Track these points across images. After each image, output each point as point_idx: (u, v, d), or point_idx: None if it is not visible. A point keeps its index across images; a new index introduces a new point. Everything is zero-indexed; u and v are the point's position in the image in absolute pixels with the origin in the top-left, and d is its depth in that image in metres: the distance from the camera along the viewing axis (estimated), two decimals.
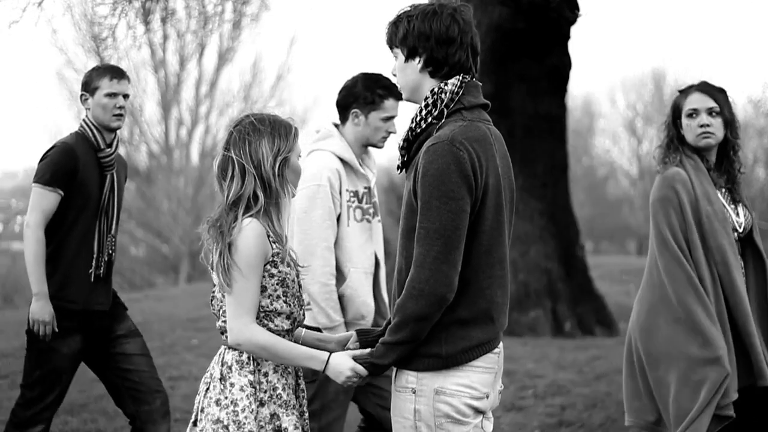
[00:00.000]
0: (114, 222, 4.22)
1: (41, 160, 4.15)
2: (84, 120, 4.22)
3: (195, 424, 2.81)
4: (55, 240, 4.10)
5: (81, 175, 4.11)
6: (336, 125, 4.00)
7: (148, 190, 26.71)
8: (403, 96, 2.76)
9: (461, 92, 2.63)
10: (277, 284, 2.76)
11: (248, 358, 2.76)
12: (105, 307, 4.20)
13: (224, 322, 2.80)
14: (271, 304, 2.75)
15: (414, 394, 2.59)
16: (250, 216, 2.71)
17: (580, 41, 55.28)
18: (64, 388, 4.17)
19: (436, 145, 2.53)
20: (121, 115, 4.18)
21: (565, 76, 10.28)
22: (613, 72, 60.85)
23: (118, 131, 4.25)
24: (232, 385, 2.74)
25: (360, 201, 3.91)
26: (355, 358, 2.63)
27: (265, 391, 2.75)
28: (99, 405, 6.19)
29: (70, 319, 4.09)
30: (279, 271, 2.75)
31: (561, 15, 9.57)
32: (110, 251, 4.19)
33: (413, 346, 2.56)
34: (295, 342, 2.83)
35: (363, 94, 3.90)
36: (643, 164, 36.95)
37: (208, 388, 2.80)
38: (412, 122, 2.66)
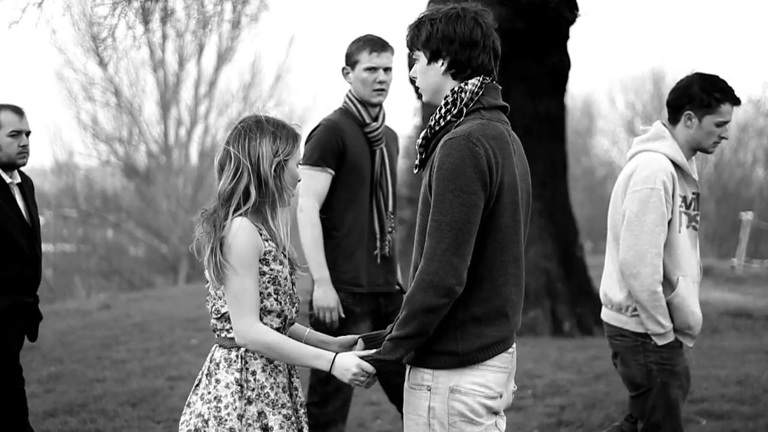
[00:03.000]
0: (390, 198, 4.08)
1: (307, 141, 4.01)
2: (347, 95, 4.11)
3: None
4: (332, 222, 3.96)
5: (350, 151, 3.97)
6: (664, 125, 3.83)
7: (147, 190, 26.70)
8: (424, 98, 2.76)
9: (481, 92, 2.65)
10: (269, 282, 2.76)
11: (236, 356, 2.76)
12: (391, 288, 4.10)
13: (216, 319, 2.80)
14: (261, 302, 2.75)
15: (429, 391, 2.60)
16: (241, 214, 2.71)
17: (579, 41, 55.28)
18: None
19: (452, 139, 2.54)
20: (382, 90, 4.04)
21: (564, 76, 10.28)
22: (613, 72, 60.85)
23: (383, 104, 4.11)
24: (217, 381, 2.75)
25: (688, 207, 3.77)
26: (363, 357, 2.62)
27: (253, 389, 2.75)
28: (98, 405, 6.19)
29: (358, 304, 3.97)
30: (270, 269, 2.75)
31: (560, 15, 9.57)
32: (391, 228, 4.06)
33: (421, 340, 2.56)
34: (297, 341, 2.82)
35: (699, 96, 3.72)
36: None
37: (198, 385, 2.82)
38: (432, 120, 2.67)
